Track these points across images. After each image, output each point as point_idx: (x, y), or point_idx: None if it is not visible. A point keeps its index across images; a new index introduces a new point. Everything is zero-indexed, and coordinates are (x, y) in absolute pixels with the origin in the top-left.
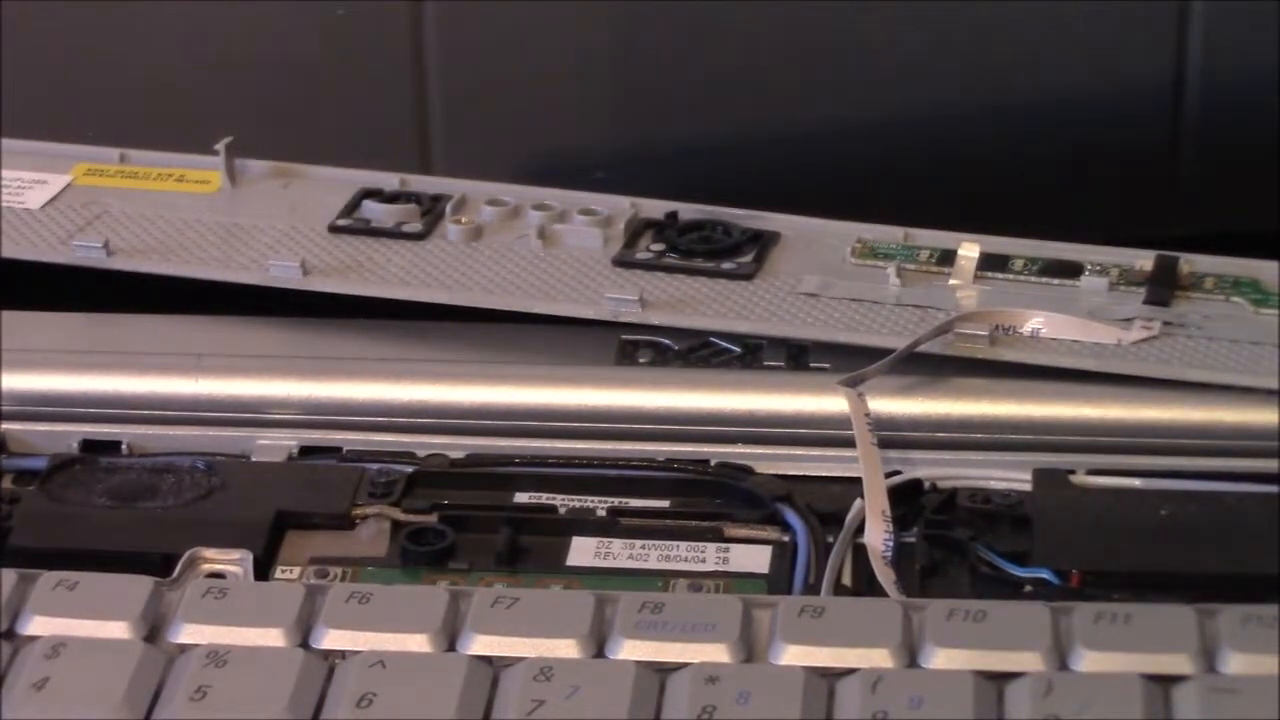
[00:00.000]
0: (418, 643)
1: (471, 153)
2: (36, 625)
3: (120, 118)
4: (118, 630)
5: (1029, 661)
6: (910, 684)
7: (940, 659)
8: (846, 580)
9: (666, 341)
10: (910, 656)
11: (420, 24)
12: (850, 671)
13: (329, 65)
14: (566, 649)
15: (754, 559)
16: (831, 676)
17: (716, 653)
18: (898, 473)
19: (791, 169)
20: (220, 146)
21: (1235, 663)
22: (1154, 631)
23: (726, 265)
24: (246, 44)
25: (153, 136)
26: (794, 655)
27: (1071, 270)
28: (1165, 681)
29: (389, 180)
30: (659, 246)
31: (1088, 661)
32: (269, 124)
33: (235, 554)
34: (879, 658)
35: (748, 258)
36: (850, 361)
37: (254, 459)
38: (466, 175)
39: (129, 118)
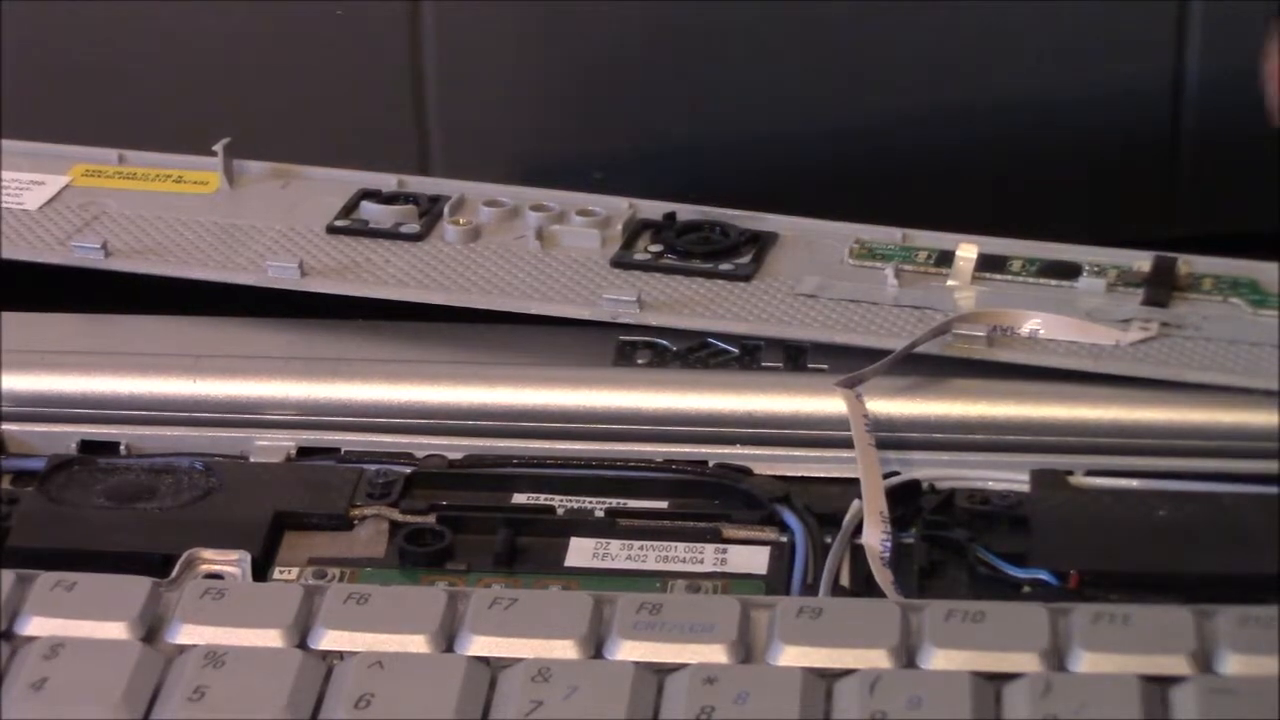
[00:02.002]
0: (416, 643)
1: (469, 153)
2: (35, 626)
3: (118, 118)
4: (116, 631)
5: (1027, 663)
6: (908, 684)
7: (939, 660)
8: (845, 581)
9: (664, 342)
10: (908, 657)
11: (418, 24)
12: (848, 672)
13: (327, 65)
14: (565, 650)
15: (752, 560)
16: (830, 677)
17: (714, 653)
18: (896, 473)
19: (791, 169)
20: (218, 147)
21: (1233, 664)
22: (1152, 633)
23: (724, 266)
24: (244, 44)
25: (151, 137)
26: (792, 656)
27: (1070, 271)
28: (1163, 682)
29: (387, 181)
30: (657, 247)
31: (1086, 662)
32: (267, 124)
33: (233, 555)
34: (877, 658)
35: (746, 259)
36: (848, 362)
37: (252, 459)
38: (464, 176)
39: (127, 118)
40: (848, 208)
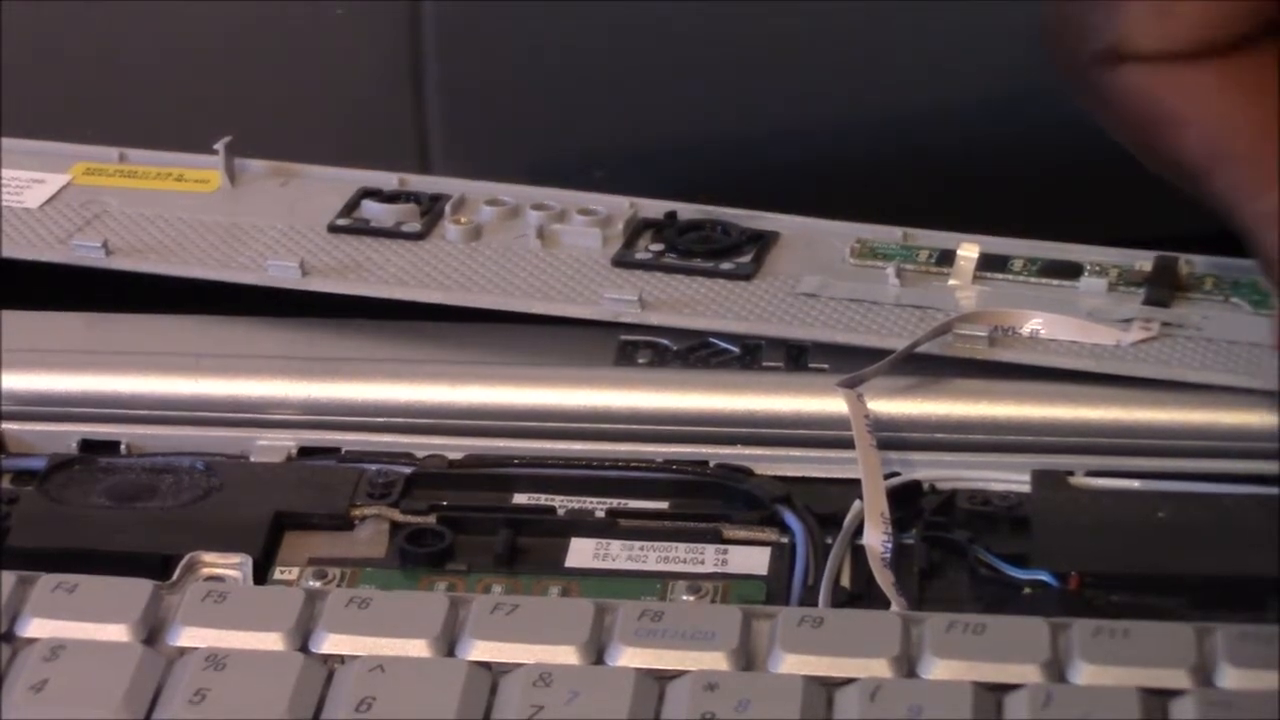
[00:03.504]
0: (417, 648)
1: (470, 152)
2: (36, 627)
3: (119, 117)
4: (117, 633)
5: (1028, 674)
6: (909, 694)
7: (939, 670)
8: (845, 582)
9: (665, 342)
10: (909, 667)
11: (419, 22)
12: (849, 681)
13: (328, 64)
14: (566, 655)
15: (753, 560)
16: (831, 685)
17: (716, 661)
18: (897, 474)
19: (792, 167)
20: (219, 146)
21: (1232, 678)
22: (1152, 646)
23: (725, 265)
24: (245, 43)
25: (152, 136)
26: (793, 664)
27: (1071, 271)
28: (1163, 695)
29: (388, 180)
30: (658, 246)
31: (1086, 675)
32: (268, 123)
33: (234, 558)
34: (878, 668)
35: (747, 258)
36: (849, 362)
37: (253, 459)
38: (465, 175)
39: (128, 117)
40: (848, 206)
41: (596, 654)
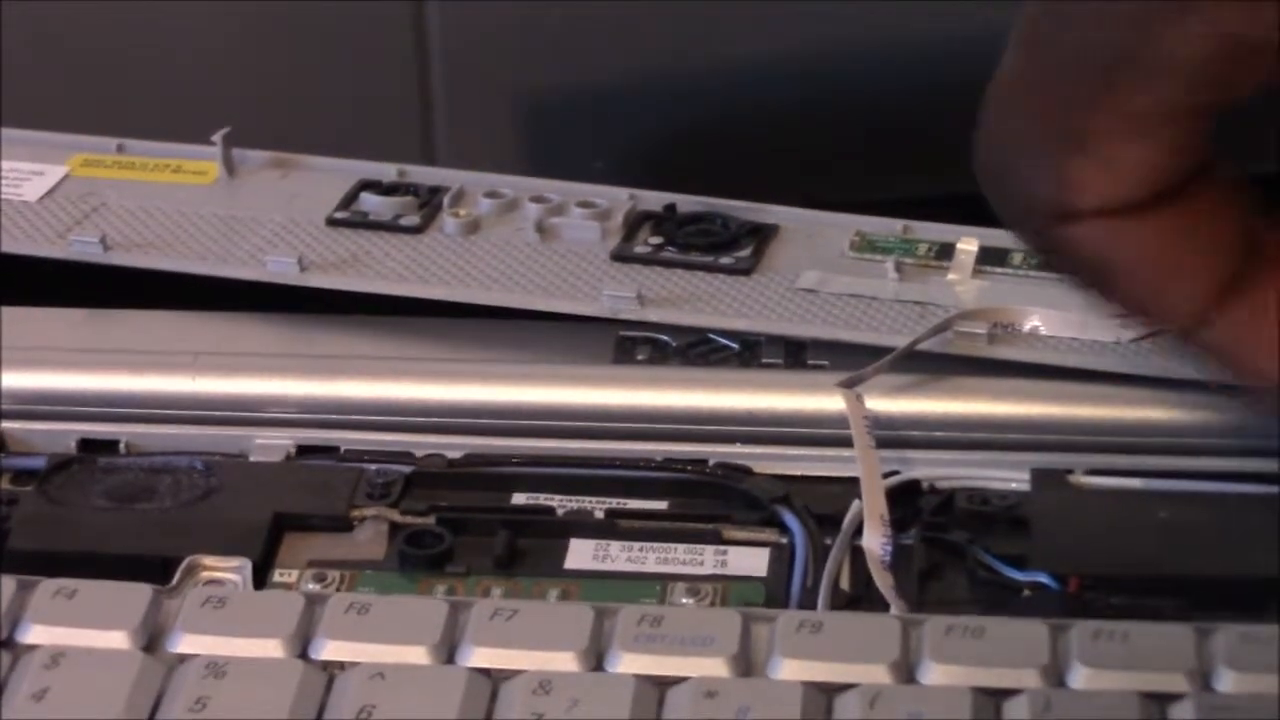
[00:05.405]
0: (417, 654)
1: (474, 141)
2: (36, 634)
3: (117, 107)
4: (117, 640)
5: (1027, 679)
6: (908, 699)
7: (938, 675)
8: (845, 583)
9: (664, 338)
10: (908, 672)
11: (422, 12)
12: (848, 686)
13: (330, 56)
14: (565, 662)
15: (752, 562)
16: (830, 691)
17: (715, 666)
18: (896, 472)
19: (793, 154)
20: (217, 137)
21: (1231, 681)
22: (1151, 650)
23: (725, 260)
24: (247, 35)
25: (152, 127)
26: (792, 670)
27: None
28: (1162, 699)
29: (387, 171)
30: (657, 240)
31: (1085, 679)
32: (270, 117)
33: (234, 561)
34: (877, 673)
35: (746, 251)
36: (849, 358)
37: (252, 458)
38: (469, 165)
39: (127, 108)
40: (849, 196)
41: (596, 660)
